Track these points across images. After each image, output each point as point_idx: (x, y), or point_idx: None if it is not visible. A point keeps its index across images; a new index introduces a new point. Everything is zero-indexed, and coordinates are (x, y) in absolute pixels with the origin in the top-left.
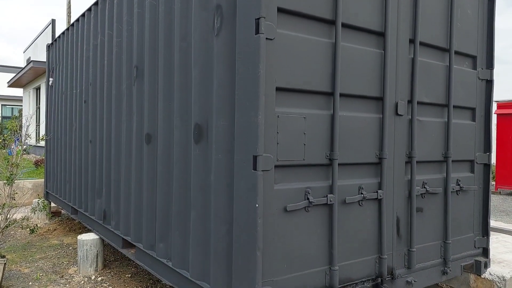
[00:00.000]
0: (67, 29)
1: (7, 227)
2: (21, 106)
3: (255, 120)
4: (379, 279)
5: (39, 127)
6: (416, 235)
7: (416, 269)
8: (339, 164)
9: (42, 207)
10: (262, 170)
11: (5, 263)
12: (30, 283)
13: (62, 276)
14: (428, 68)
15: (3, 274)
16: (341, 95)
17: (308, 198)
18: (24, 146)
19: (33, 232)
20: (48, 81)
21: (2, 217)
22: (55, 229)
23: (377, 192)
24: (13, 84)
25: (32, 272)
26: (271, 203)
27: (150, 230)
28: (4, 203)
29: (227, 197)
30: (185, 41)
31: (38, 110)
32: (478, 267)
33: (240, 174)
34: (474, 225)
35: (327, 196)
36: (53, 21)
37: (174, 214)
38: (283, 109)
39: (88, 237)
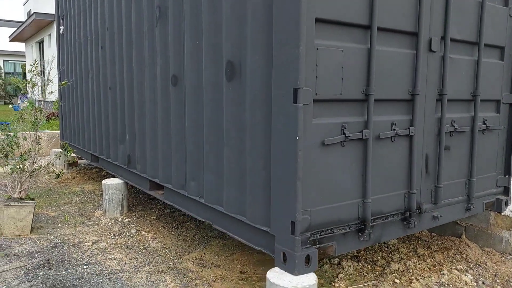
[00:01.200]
0: None
1: (34, 171)
2: (24, 61)
3: (296, 52)
4: (408, 213)
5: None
6: (443, 172)
7: (442, 205)
8: (374, 100)
9: (67, 152)
10: (302, 104)
11: (35, 205)
12: (59, 225)
13: (89, 219)
14: (461, 3)
15: (33, 216)
16: (378, 29)
17: (344, 133)
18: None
19: (58, 177)
20: (59, 29)
21: (29, 161)
22: (74, 178)
23: (408, 128)
24: (14, 38)
25: (59, 216)
26: (309, 137)
27: (179, 170)
28: (30, 148)
29: (263, 132)
30: None
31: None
32: (499, 205)
33: (279, 108)
34: (497, 164)
35: (362, 131)
36: None
37: (205, 153)
38: (322, 41)
39: (113, 182)
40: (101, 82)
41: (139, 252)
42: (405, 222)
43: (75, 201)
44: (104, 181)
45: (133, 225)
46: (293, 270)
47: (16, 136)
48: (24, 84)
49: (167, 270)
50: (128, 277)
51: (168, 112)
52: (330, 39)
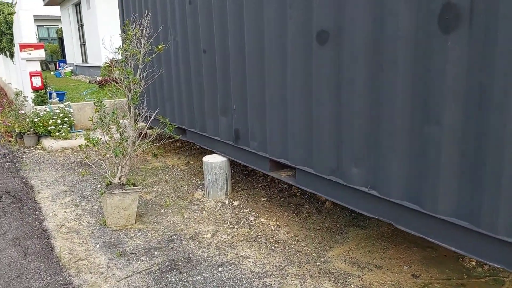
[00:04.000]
0: None
1: (134, 151)
2: (58, 26)
3: None
4: None
5: (84, 46)
6: None
7: None
8: None
9: (167, 129)
10: None
11: (139, 192)
12: (162, 211)
13: (191, 202)
14: None
15: (138, 204)
16: None
17: None
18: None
19: (155, 156)
20: None
21: (129, 140)
22: (149, 151)
23: None
24: (49, 2)
25: (156, 198)
26: None
27: (328, 151)
28: (125, 125)
29: None
30: None
31: (80, 28)
32: None
33: None
34: None
35: None
36: None
37: (388, 132)
38: None
39: (216, 160)
40: (191, 44)
41: (272, 248)
42: None
43: (165, 179)
44: (205, 159)
45: (246, 210)
46: None
47: (116, 114)
48: (122, 52)
49: (319, 273)
50: (279, 285)
51: (310, 78)
52: None
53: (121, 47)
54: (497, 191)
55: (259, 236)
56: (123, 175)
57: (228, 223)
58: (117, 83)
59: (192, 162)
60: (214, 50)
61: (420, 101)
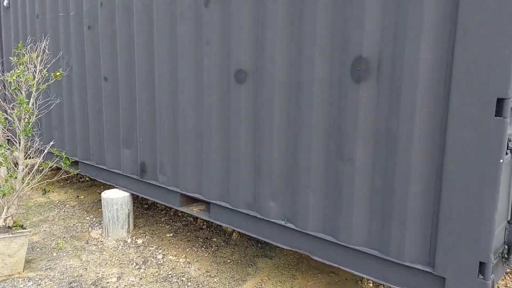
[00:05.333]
0: None
1: (23, 189)
2: None
3: (507, 53)
4: None
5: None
6: None
7: None
8: None
9: (65, 161)
10: (507, 117)
11: (29, 236)
12: (55, 254)
13: (88, 242)
14: None
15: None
16: None
17: (510, 147)
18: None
19: (45, 193)
20: (2, 1)
21: (18, 177)
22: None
23: None
24: None
25: (45, 240)
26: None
27: (247, 186)
28: (16, 162)
29: (423, 148)
30: None
31: None
32: None
33: (464, 120)
34: None
35: None
36: None
37: (305, 168)
38: None
39: (117, 195)
40: (90, 71)
41: (185, 287)
42: None
43: (52, 217)
44: (104, 194)
45: (152, 248)
46: None
47: (4, 146)
48: (13, 78)
49: None
50: None
51: (228, 116)
52: None
53: (14, 72)
54: (403, 222)
55: (170, 275)
56: (9, 216)
57: (134, 263)
58: None
59: (82, 197)
60: (118, 77)
61: (335, 141)
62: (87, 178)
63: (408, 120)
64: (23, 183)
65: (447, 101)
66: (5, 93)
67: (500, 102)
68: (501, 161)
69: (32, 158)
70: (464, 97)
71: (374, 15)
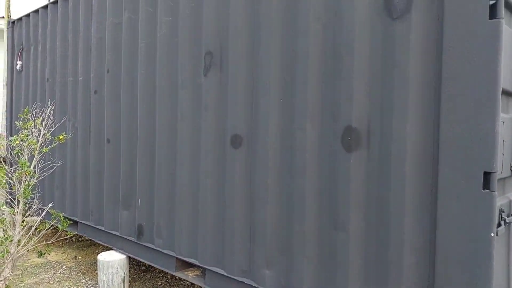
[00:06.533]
0: (54, 2)
1: (19, 251)
2: None
3: (490, 127)
4: None
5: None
6: None
7: None
8: None
9: (63, 222)
10: (495, 191)
11: None
12: None
13: None
14: None
15: None
16: None
17: (503, 219)
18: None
19: (41, 256)
20: (16, 64)
21: (14, 240)
22: (27, 242)
23: None
24: None
25: None
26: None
27: (242, 253)
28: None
29: (415, 219)
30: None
31: None
32: None
33: (453, 193)
34: None
35: None
36: None
37: (299, 235)
38: (505, 114)
39: (113, 257)
40: (93, 133)
41: None
42: None
43: (47, 279)
44: (100, 257)
45: None
46: None
47: (1, 210)
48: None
49: None
50: None
51: (223, 179)
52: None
53: (17, 136)
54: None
55: None
56: (2, 280)
57: None
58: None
59: (80, 257)
60: (120, 139)
61: (328, 209)
62: (86, 238)
63: (399, 191)
64: (19, 245)
65: (436, 173)
66: (8, 157)
67: (487, 176)
68: (492, 235)
69: (31, 216)
70: (452, 170)
71: (361, 86)
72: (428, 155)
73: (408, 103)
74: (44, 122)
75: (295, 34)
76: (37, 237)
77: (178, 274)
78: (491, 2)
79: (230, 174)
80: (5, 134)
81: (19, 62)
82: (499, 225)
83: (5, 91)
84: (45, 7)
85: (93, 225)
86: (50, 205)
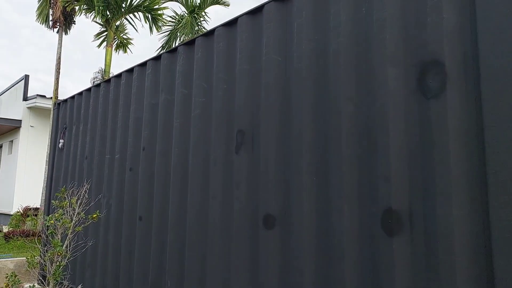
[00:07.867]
0: (97, 85)
1: None
2: None
3: None
4: None
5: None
6: None
7: None
8: None
9: None
10: None
11: None
12: None
13: None
14: None
15: None
16: None
17: None
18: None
19: None
20: (58, 142)
21: None
22: None
23: None
24: None
25: None
26: None
27: None
28: None
29: None
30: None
31: None
32: None
33: None
34: None
35: None
36: (27, 77)
37: None
38: None
39: None
40: (126, 210)
41: None
42: None
43: None
44: None
45: None
46: None
47: None
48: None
49: None
50: None
51: (257, 260)
52: None
53: (52, 215)
54: None
55: None
56: None
57: None
58: (27, 236)
59: None
60: (152, 217)
61: None
62: None
63: (449, 283)
64: None
65: (491, 265)
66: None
67: None
68: None
69: None
70: (508, 259)
71: (400, 168)
72: (480, 240)
73: (451, 186)
74: (79, 201)
75: (327, 113)
76: None
77: None
78: None
79: (264, 255)
80: (43, 209)
81: (61, 141)
82: None
83: (47, 167)
84: (89, 89)
85: None
86: (80, 287)
